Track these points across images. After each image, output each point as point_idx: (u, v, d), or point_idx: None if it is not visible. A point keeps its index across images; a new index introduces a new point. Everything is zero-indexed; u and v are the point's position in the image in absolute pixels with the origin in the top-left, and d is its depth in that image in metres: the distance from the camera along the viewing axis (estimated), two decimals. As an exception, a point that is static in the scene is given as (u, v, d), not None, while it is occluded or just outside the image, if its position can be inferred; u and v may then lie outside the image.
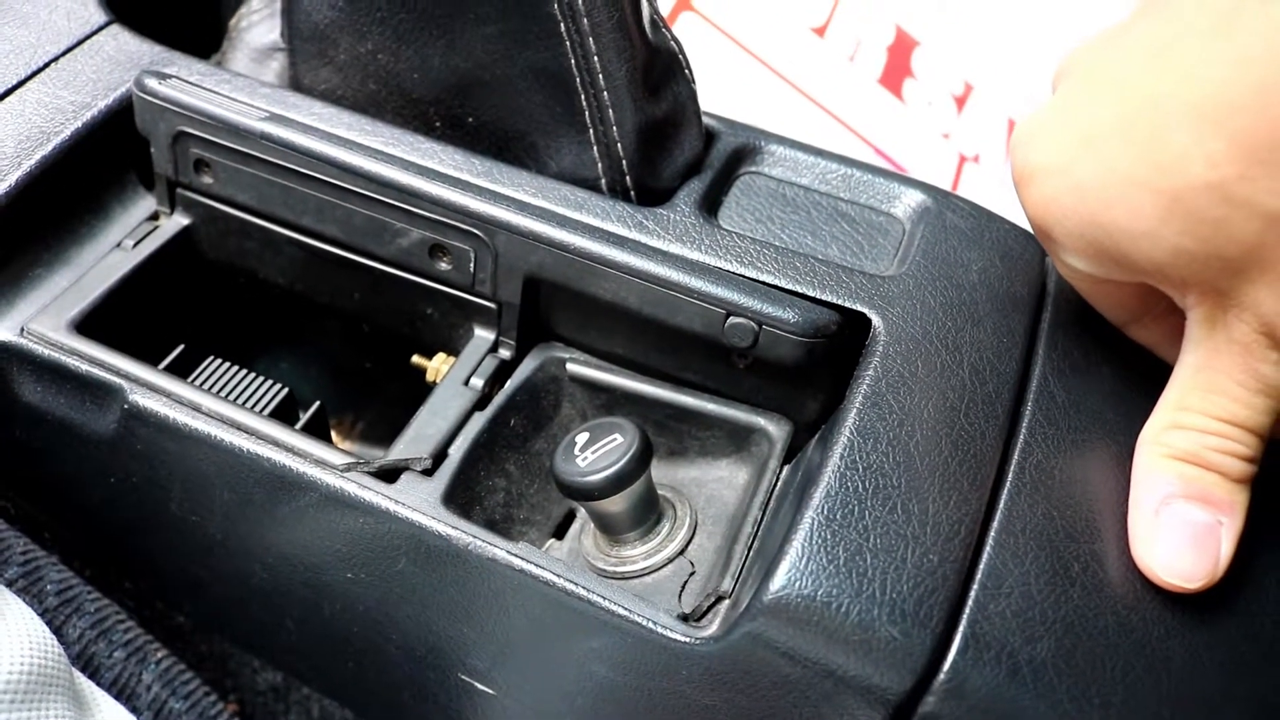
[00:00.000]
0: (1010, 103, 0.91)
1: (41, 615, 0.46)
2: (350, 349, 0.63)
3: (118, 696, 0.49)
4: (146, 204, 0.56)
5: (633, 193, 0.51)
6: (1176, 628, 0.39)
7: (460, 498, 0.46)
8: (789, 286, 0.47)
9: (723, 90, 0.80)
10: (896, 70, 0.86)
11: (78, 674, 0.46)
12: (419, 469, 0.46)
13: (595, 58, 0.48)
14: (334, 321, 0.58)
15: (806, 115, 0.81)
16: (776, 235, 0.51)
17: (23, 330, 0.50)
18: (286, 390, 0.50)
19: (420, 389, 0.52)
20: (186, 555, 0.55)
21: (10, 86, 0.54)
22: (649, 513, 0.46)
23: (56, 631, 0.48)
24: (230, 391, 0.50)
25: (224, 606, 0.58)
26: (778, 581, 0.39)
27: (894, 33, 0.88)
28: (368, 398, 0.64)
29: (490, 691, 0.49)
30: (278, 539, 0.49)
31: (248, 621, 0.58)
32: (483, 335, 0.52)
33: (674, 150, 0.52)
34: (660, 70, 0.50)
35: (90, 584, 0.52)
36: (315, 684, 0.63)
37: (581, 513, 0.49)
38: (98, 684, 0.48)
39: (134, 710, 0.49)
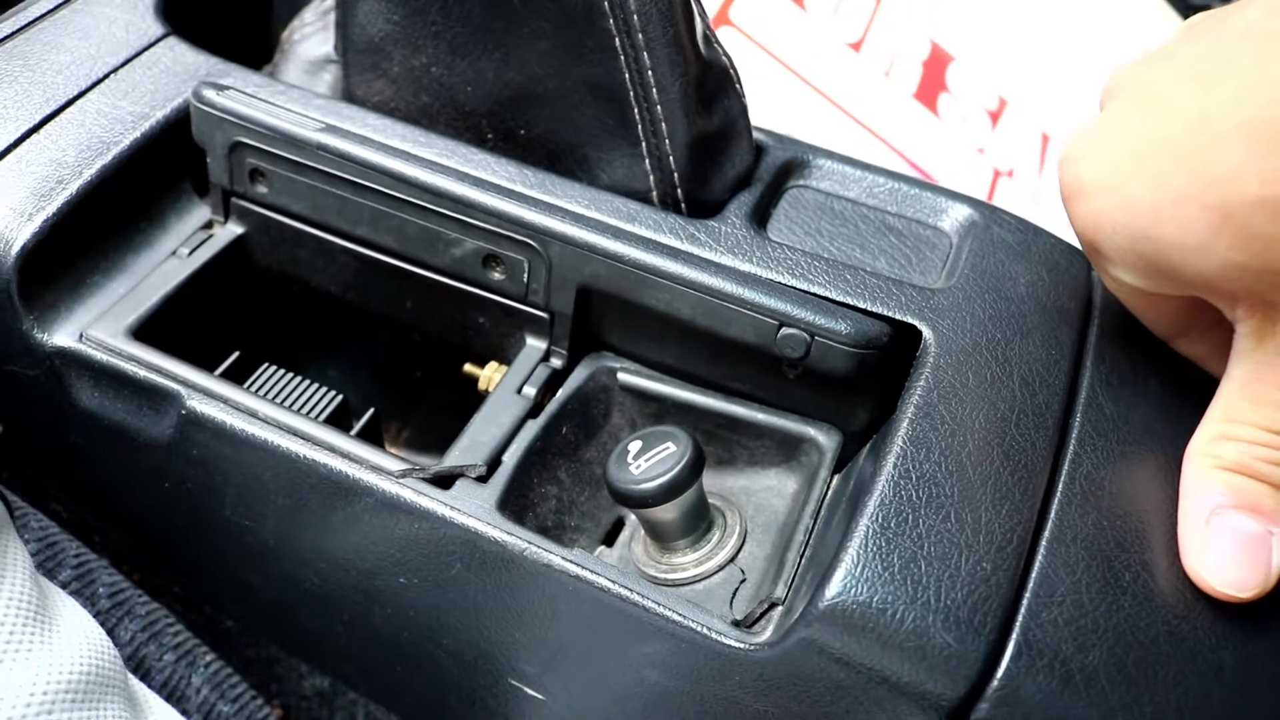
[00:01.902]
0: (1044, 118, 0.92)
1: (95, 618, 0.47)
2: (400, 357, 0.63)
3: (168, 699, 0.49)
4: (201, 213, 0.57)
5: (684, 205, 0.52)
6: (1228, 637, 0.39)
7: (514, 504, 0.47)
8: (840, 298, 0.47)
9: (758, 104, 0.80)
10: (931, 85, 0.86)
11: (131, 676, 0.47)
12: (474, 475, 0.47)
13: (649, 72, 0.49)
14: (385, 330, 0.59)
15: (842, 129, 0.82)
16: (825, 248, 0.51)
17: (81, 336, 0.51)
18: (341, 397, 0.51)
19: (467, 397, 0.53)
20: (238, 560, 0.55)
21: (71, 97, 0.55)
22: (700, 520, 0.47)
23: (109, 634, 0.48)
24: (285, 398, 0.50)
25: (273, 611, 0.59)
26: (833, 588, 0.39)
27: (929, 48, 0.88)
28: (415, 406, 0.65)
29: (540, 696, 0.49)
30: (331, 544, 0.50)
31: (296, 626, 0.59)
32: (534, 344, 0.53)
33: (725, 163, 0.52)
34: (712, 85, 0.51)
35: (138, 588, 0.53)
36: (362, 689, 0.64)
37: (631, 520, 0.50)
38: (148, 686, 0.49)
39: (184, 713, 0.49)
